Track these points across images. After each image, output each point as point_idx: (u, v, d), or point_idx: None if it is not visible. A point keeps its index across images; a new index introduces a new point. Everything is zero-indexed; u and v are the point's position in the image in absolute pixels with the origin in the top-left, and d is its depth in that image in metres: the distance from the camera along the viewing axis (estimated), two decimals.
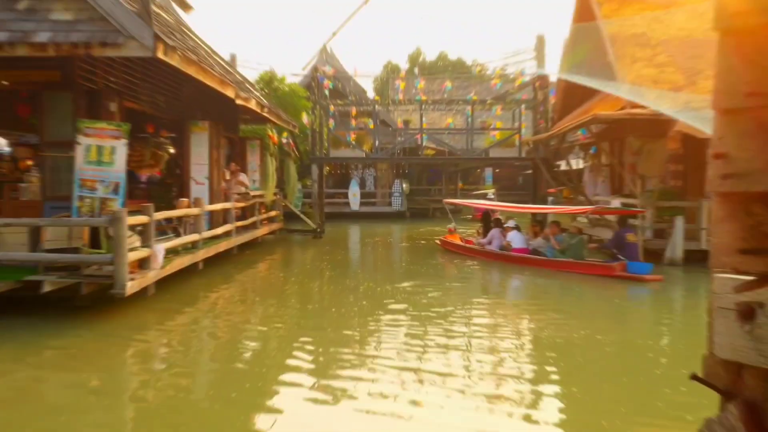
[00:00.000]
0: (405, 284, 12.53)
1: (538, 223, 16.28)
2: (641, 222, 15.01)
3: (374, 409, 5.83)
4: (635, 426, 5.50)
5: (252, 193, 18.58)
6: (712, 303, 1.87)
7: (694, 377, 1.94)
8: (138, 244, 10.00)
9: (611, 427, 5.45)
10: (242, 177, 17.90)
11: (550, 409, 5.91)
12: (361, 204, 32.18)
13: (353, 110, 27.21)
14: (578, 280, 12.96)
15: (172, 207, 13.92)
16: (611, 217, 17.01)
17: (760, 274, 1.65)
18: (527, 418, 5.63)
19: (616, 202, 17.49)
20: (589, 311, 10.53)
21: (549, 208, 17.83)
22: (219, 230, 14.95)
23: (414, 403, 5.94)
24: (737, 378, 1.83)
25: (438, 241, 19.26)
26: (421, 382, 6.53)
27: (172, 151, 17.49)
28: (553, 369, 7.20)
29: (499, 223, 16.92)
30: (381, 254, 19.11)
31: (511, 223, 16.45)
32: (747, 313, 1.72)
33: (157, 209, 11.18)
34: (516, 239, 15.59)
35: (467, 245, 17.40)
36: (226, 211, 15.66)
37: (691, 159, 15.87)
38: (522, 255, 15.10)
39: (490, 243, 16.36)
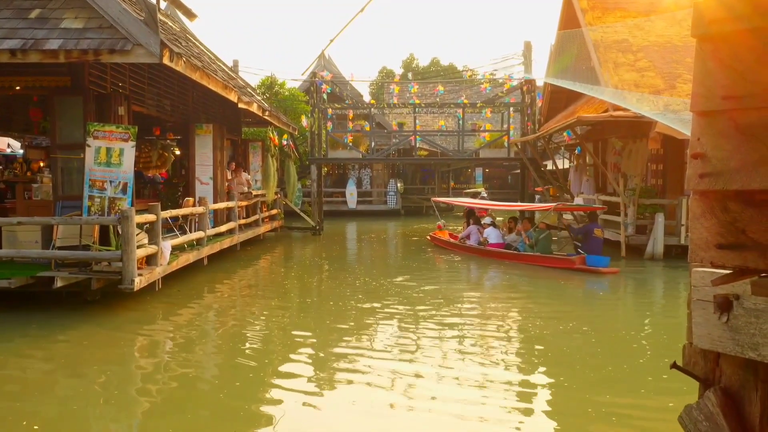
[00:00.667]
0: (399, 279, 12.56)
1: (513, 219, 16.40)
2: (623, 219, 15.04)
3: (372, 398, 5.85)
4: (621, 408, 5.51)
5: (254, 193, 18.57)
6: (691, 295, 1.87)
7: (675, 366, 1.95)
8: (145, 241, 9.98)
9: (597, 412, 5.46)
10: (244, 175, 17.87)
11: (537, 397, 5.92)
12: (358, 202, 32.16)
13: (350, 113, 27.18)
14: (546, 272, 13.19)
15: (178, 206, 13.91)
16: (601, 215, 17.05)
17: (736, 267, 1.65)
18: (509, 402, 5.65)
19: (580, 198, 17.52)
20: (562, 301, 10.56)
21: (515, 206, 18.27)
22: (223, 228, 14.92)
23: (409, 386, 5.95)
24: (715, 366, 1.83)
25: (428, 237, 19.34)
26: (414, 368, 6.55)
27: (177, 152, 17.49)
28: (538, 356, 7.22)
29: (477, 220, 17.12)
30: (376, 250, 19.11)
31: (487, 220, 16.65)
32: (724, 305, 1.73)
33: (164, 208, 11.17)
34: (492, 235, 15.82)
35: (452, 241, 17.56)
36: (229, 209, 15.64)
37: (671, 159, 15.89)
38: (497, 250, 15.31)
39: (468, 238, 16.59)
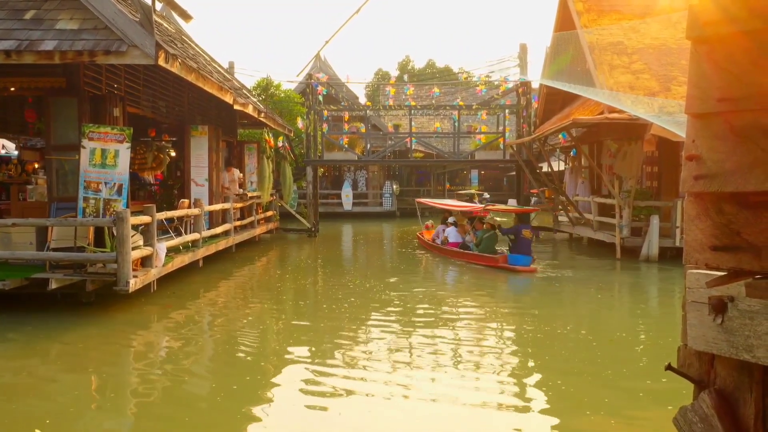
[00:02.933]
0: (392, 279, 12.58)
1: (470, 220, 16.59)
2: (618, 221, 15.07)
3: (368, 395, 5.84)
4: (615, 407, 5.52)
5: (250, 194, 18.54)
6: (685, 297, 1.87)
7: (669, 368, 1.95)
8: (141, 243, 9.95)
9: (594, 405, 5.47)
10: (235, 172, 17.67)
11: (534, 400, 5.92)
12: (354, 204, 32.16)
13: (346, 115, 27.15)
14: (489, 272, 13.70)
15: (174, 207, 13.88)
16: (590, 216, 17.11)
17: (731, 269, 1.65)
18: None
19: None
20: (556, 302, 10.58)
21: (454, 205, 18.76)
22: (218, 229, 14.90)
23: (405, 387, 5.95)
24: (710, 368, 1.84)
25: (417, 236, 19.54)
26: (411, 368, 6.55)
27: (173, 154, 17.45)
28: (533, 359, 7.22)
29: (444, 220, 17.51)
30: (371, 251, 19.12)
31: (450, 220, 17.14)
32: (719, 307, 1.73)
33: (159, 209, 11.15)
34: (451, 235, 16.35)
35: (428, 241, 17.96)
36: (224, 210, 15.62)
37: (666, 161, 15.93)
38: (451, 249, 15.90)
39: (438, 237, 17.09)
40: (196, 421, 5.39)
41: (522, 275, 13.20)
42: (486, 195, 34.73)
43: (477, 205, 18.98)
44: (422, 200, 23.15)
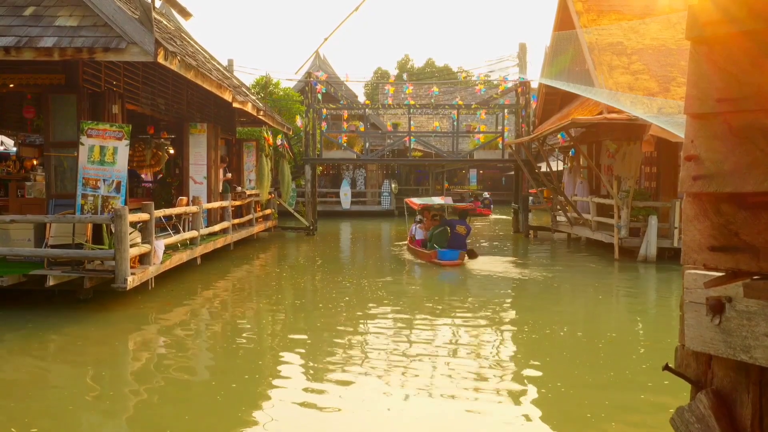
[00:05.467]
0: (388, 278, 12.59)
1: (434, 217, 16.66)
2: (617, 221, 15.08)
3: (367, 395, 5.84)
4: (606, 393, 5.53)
5: (248, 192, 18.52)
6: (683, 297, 1.87)
7: (667, 368, 1.95)
8: (139, 240, 9.94)
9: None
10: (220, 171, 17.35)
11: (534, 401, 5.92)
12: (352, 203, 32.14)
13: (345, 114, 27.16)
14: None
15: (172, 205, 13.87)
16: (588, 216, 17.11)
17: (729, 270, 1.65)
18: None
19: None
20: (550, 301, 10.59)
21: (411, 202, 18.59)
22: (216, 227, 14.90)
23: (403, 387, 5.95)
24: (707, 369, 1.83)
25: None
26: (409, 369, 6.56)
27: (171, 151, 17.42)
28: (533, 358, 7.22)
29: (418, 219, 17.66)
30: (368, 250, 19.12)
31: (417, 218, 17.36)
32: (716, 307, 1.73)
33: (157, 207, 11.13)
34: (417, 233, 16.48)
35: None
36: (223, 208, 15.61)
37: (665, 161, 15.93)
38: (412, 247, 16.26)
39: (410, 236, 17.28)
40: (196, 421, 5.38)
41: (450, 269, 13.60)
42: (486, 194, 34.96)
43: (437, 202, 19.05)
44: (410, 200, 23.24)
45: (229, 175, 18.28)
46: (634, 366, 6.91)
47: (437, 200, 18.43)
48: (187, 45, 14.89)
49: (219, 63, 19.14)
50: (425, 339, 7.98)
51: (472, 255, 15.08)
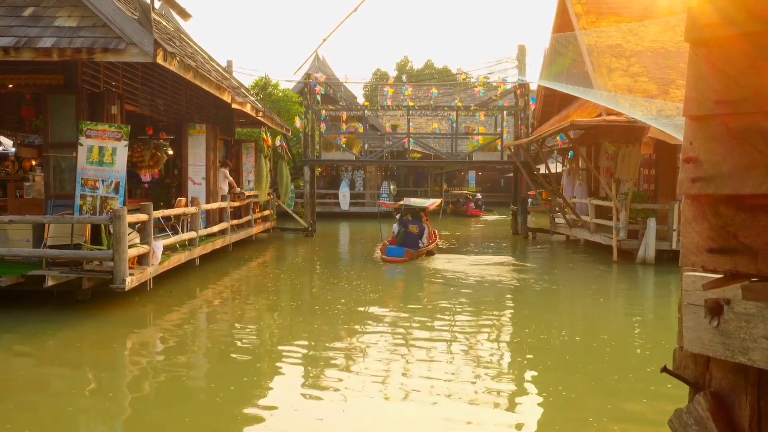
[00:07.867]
0: (385, 277, 12.58)
1: (400, 218, 16.93)
2: (615, 223, 15.08)
3: (366, 396, 5.84)
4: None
5: (247, 193, 18.51)
6: (682, 299, 1.87)
7: (665, 370, 1.95)
8: (137, 241, 9.93)
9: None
10: (222, 172, 17.22)
11: (536, 404, 5.92)
12: (351, 204, 32.12)
13: (344, 115, 27.17)
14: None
15: (171, 206, 13.86)
16: (587, 218, 17.13)
17: (727, 272, 1.65)
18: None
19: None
20: (542, 303, 10.58)
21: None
22: (215, 228, 14.89)
23: (401, 387, 5.95)
24: (705, 370, 1.84)
25: None
26: (407, 369, 6.55)
27: (170, 152, 17.41)
28: (535, 363, 7.22)
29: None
30: (366, 251, 19.09)
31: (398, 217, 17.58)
32: (715, 309, 1.73)
33: (156, 208, 11.13)
34: (395, 233, 16.77)
35: None
36: (221, 209, 15.60)
37: (663, 164, 15.95)
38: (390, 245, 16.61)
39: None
40: (194, 422, 5.38)
41: (394, 265, 14.35)
42: (478, 195, 35.32)
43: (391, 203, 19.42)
44: (383, 202, 23.49)
45: (228, 174, 18.29)
46: (634, 368, 6.90)
47: (413, 201, 18.71)
48: (186, 46, 14.89)
49: (218, 64, 19.14)
50: (424, 341, 7.98)
51: (430, 253, 16.06)
